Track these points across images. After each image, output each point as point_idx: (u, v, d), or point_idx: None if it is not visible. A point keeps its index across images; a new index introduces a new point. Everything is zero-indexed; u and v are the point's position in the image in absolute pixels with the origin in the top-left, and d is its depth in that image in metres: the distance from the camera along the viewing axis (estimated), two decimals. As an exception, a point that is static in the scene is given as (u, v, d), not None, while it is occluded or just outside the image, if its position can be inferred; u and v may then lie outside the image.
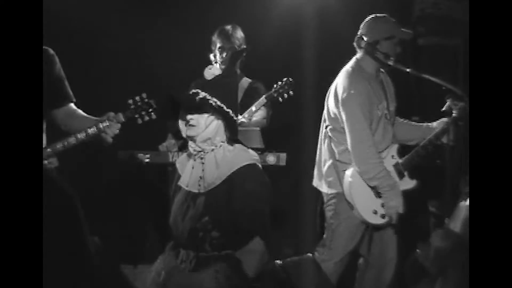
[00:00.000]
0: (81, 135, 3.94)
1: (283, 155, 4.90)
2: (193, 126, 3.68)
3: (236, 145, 3.78)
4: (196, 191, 3.68)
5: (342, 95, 4.57)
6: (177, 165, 3.87)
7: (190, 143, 3.75)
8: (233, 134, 3.79)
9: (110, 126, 4.03)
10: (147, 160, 4.77)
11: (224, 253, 3.60)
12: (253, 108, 4.98)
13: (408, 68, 4.59)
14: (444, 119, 4.49)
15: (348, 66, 4.60)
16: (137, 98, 4.11)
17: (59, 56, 3.93)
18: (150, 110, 4.11)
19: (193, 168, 3.74)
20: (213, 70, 4.78)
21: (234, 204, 3.69)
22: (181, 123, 3.76)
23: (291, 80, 4.96)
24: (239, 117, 4.85)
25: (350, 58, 4.73)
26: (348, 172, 4.61)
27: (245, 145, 3.90)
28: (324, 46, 5.55)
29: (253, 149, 4.46)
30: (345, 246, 4.66)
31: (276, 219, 4.86)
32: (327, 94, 4.75)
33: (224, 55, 5.07)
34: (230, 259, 3.62)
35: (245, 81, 5.23)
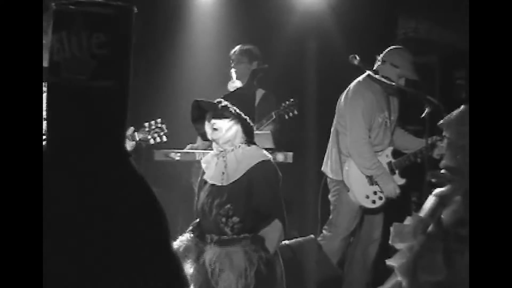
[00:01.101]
0: None
1: (290, 154, 5.14)
2: (216, 130, 3.79)
3: (252, 145, 3.91)
4: (219, 184, 3.81)
5: (350, 98, 4.95)
6: (202, 164, 4.00)
7: (214, 144, 3.87)
8: (250, 137, 3.90)
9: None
10: (178, 158, 4.96)
11: (242, 236, 3.73)
12: (264, 121, 5.35)
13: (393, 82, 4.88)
14: (434, 137, 4.73)
15: (360, 77, 5.00)
16: (152, 122, 4.49)
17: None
18: (162, 133, 4.48)
19: (216, 165, 3.87)
20: (236, 84, 5.08)
21: (255, 193, 3.78)
22: (207, 127, 3.88)
23: (296, 101, 5.30)
24: None
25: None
26: (348, 162, 5.01)
27: (259, 146, 4.03)
28: (324, 65, 5.88)
29: (265, 149, 4.40)
30: (348, 226, 5.08)
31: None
32: (339, 98, 5.08)
33: (234, 65, 5.39)
34: (255, 237, 3.74)
35: (260, 92, 5.52)
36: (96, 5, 1.90)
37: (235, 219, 3.71)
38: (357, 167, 4.98)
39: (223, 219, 3.69)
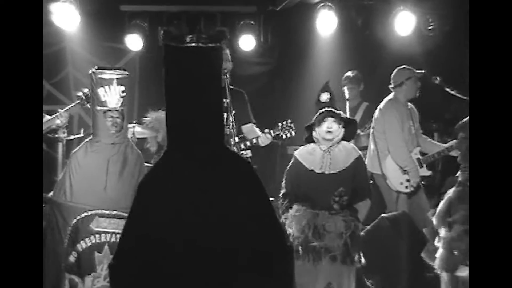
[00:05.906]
0: (243, 144, 4.90)
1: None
2: (331, 132, 4.11)
3: (348, 142, 4.24)
4: (327, 172, 4.09)
5: (384, 112, 5.52)
6: (296, 156, 4.24)
7: (325, 142, 4.14)
8: (352, 136, 4.31)
9: (263, 138, 4.80)
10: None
11: (343, 210, 4.06)
12: (367, 125, 5.92)
13: (437, 79, 5.51)
14: (452, 142, 5.28)
15: (388, 97, 5.67)
16: (284, 122, 4.86)
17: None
18: (292, 130, 4.86)
19: (323, 157, 4.12)
20: (327, 95, 4.58)
21: (357, 178, 4.08)
22: (321, 130, 4.14)
23: None
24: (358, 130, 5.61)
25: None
26: (386, 158, 5.52)
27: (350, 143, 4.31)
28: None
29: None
30: (391, 209, 5.48)
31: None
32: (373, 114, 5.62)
33: (346, 86, 6.02)
34: (352, 209, 4.09)
35: (364, 104, 6.29)
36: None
37: (345, 198, 4.07)
38: (394, 160, 5.47)
39: (336, 198, 4.03)
